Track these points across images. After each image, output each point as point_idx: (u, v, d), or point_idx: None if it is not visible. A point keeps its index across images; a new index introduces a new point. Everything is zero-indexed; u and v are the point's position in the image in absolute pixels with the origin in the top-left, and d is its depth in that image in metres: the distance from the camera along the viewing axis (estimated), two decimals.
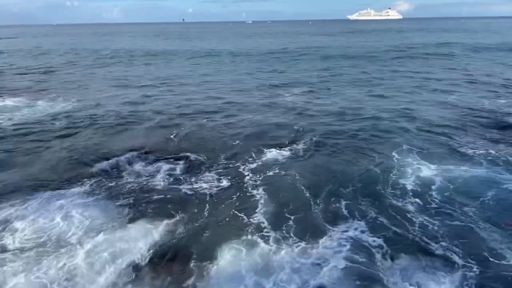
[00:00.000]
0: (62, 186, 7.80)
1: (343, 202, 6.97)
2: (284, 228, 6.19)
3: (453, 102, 14.33)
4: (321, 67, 24.37)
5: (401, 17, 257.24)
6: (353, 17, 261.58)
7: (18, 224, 6.35)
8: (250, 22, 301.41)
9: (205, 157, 9.25)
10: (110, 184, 7.83)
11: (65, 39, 71.39)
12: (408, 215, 6.50)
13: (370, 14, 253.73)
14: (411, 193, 7.25)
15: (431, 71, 21.27)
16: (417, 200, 6.99)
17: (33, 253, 5.62)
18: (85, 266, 5.35)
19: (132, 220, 6.50)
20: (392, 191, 7.35)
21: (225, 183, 7.89)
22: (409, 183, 7.63)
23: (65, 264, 5.38)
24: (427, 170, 8.20)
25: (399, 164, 8.57)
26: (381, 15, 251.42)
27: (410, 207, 6.76)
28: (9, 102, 15.69)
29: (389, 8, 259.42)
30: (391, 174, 8.05)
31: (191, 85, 19.45)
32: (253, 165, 8.78)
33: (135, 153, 9.50)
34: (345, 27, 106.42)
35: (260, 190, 7.56)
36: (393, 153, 9.23)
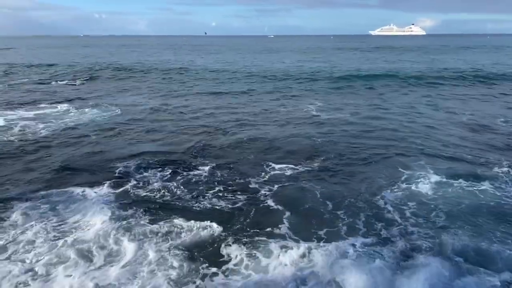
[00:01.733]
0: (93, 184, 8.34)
1: (361, 217, 6.97)
2: (302, 242, 6.21)
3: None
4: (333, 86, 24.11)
5: (424, 33, 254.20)
6: (375, 32, 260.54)
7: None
8: (272, 36, 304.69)
9: (227, 169, 9.40)
10: (119, 190, 8.14)
11: (101, 50, 74.03)
12: (431, 232, 6.44)
13: (393, 30, 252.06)
14: (433, 210, 7.18)
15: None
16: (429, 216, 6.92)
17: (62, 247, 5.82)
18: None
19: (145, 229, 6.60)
20: (410, 207, 7.30)
21: (241, 198, 7.95)
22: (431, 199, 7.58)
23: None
24: (448, 187, 8.11)
25: (417, 179, 8.55)
26: (403, 31, 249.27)
27: (429, 224, 6.70)
28: (58, 107, 16.85)
29: (412, 24, 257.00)
30: (406, 188, 8.04)
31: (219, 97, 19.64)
32: (269, 178, 8.86)
33: (152, 160, 9.82)
34: (372, 43, 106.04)
35: (277, 202, 7.62)
36: (414, 169, 9.17)
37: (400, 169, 9.25)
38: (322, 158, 10.09)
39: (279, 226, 6.69)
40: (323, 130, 13.11)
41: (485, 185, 8.20)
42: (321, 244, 6.11)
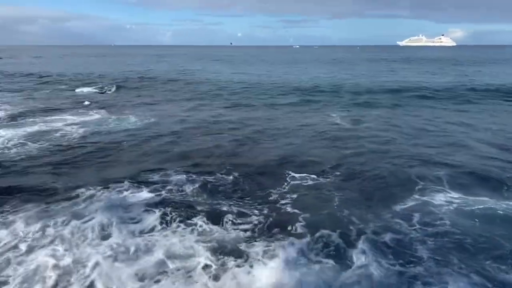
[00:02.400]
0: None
1: (372, 228, 7.00)
2: (320, 251, 6.38)
3: None
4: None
5: (454, 44, 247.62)
6: (403, 43, 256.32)
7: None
8: (297, 46, 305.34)
9: (250, 176, 9.71)
10: (151, 194, 8.51)
11: (132, 59, 76.81)
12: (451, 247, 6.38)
13: (422, 41, 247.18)
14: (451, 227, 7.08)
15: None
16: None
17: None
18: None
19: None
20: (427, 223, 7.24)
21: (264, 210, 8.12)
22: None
23: None
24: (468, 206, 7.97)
25: (435, 193, 8.50)
26: (433, 42, 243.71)
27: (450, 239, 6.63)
28: (97, 116, 17.77)
29: (442, 35, 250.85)
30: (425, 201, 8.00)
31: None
32: (290, 186, 9.12)
33: (181, 168, 10.24)
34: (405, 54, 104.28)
35: (296, 208, 7.87)
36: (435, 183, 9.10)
37: (418, 181, 9.23)
38: (343, 168, 10.28)
39: (297, 231, 6.98)
40: (346, 140, 13.22)
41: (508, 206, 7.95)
42: (331, 251, 6.30)
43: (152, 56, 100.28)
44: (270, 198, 8.45)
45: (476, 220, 7.38)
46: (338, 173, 9.96)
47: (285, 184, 9.22)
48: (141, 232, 6.94)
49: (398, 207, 7.91)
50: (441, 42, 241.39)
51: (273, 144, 13.01)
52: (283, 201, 8.24)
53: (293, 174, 9.85)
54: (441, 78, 34.38)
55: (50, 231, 6.83)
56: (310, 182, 9.33)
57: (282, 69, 49.22)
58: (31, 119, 16.55)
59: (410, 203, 8.10)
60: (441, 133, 14.54)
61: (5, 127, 14.75)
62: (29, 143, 12.63)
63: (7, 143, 12.52)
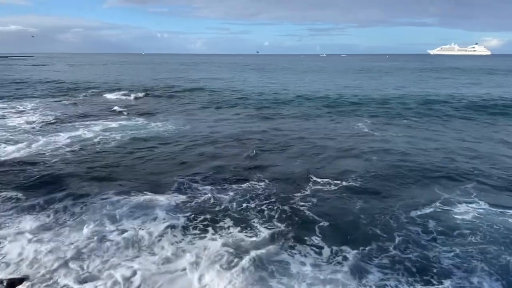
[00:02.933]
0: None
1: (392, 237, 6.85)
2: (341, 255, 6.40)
3: None
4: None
5: (489, 53, 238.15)
6: (435, 52, 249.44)
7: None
8: (324, 55, 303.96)
9: (275, 181, 9.89)
10: (178, 197, 8.71)
11: (161, 67, 78.97)
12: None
13: (454, 49, 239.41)
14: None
15: None
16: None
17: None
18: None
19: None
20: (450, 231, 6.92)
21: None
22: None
23: None
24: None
25: (459, 204, 8.33)
26: (466, 51, 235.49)
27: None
28: (130, 122, 18.44)
29: (476, 44, 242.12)
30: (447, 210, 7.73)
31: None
32: (313, 191, 9.31)
33: (208, 172, 10.60)
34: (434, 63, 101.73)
35: (317, 214, 8.03)
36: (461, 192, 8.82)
37: (443, 192, 9.12)
38: (367, 176, 10.32)
39: (317, 236, 7.11)
40: (372, 149, 13.13)
41: None
42: (349, 264, 6.26)
43: (181, 64, 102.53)
44: (294, 204, 8.55)
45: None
46: (362, 180, 10.00)
47: (309, 190, 9.35)
48: (173, 235, 7.08)
49: (419, 217, 7.85)
50: (474, 51, 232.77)
51: (299, 151, 13.03)
52: (305, 208, 8.35)
53: (317, 180, 10.01)
54: (475, 89, 33.11)
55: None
56: (334, 188, 9.46)
57: (309, 78, 49.05)
58: (69, 124, 17.42)
59: (433, 213, 8.02)
60: (472, 145, 13.97)
61: (45, 132, 15.46)
62: (67, 148, 13.25)
63: (48, 148, 13.12)
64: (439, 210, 8.19)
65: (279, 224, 7.58)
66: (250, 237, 7.04)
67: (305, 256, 6.47)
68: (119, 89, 32.40)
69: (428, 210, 8.18)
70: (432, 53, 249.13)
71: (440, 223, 7.55)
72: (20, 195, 8.85)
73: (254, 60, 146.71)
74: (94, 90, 32.03)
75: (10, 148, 13.08)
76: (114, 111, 21.75)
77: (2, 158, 11.86)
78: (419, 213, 8.03)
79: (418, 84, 38.68)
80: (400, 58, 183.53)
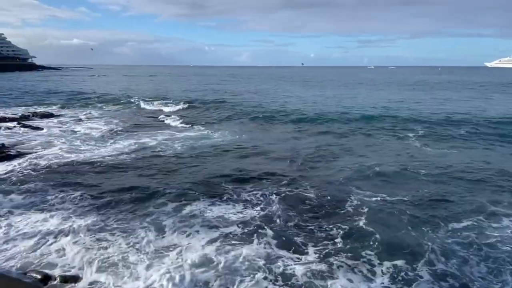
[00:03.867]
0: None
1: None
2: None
3: None
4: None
5: None
6: (492, 64, 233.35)
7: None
8: (372, 67, 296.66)
9: (325, 193, 9.70)
10: (228, 205, 8.56)
11: (209, 78, 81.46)
12: None
13: None
14: None
15: None
16: None
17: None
18: None
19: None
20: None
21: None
22: None
23: None
24: None
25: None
26: None
27: None
28: (189, 131, 19.25)
29: None
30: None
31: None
32: (361, 203, 9.13)
33: (259, 181, 10.77)
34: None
35: (366, 226, 7.89)
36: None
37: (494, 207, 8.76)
38: (416, 190, 10.07)
39: (366, 255, 6.84)
40: (422, 165, 12.41)
41: None
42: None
43: (227, 75, 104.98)
44: (342, 217, 8.42)
45: None
46: (411, 194, 9.75)
47: (357, 203, 9.19)
48: (222, 242, 7.10)
49: (468, 230, 7.66)
50: None
51: (346, 164, 12.69)
52: (354, 220, 8.23)
53: (365, 193, 9.86)
54: None
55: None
56: (382, 202, 9.26)
57: (357, 91, 47.69)
58: (129, 132, 18.31)
59: (482, 231, 7.67)
60: None
61: (105, 143, 16.14)
62: (132, 154, 13.89)
63: (114, 153, 13.90)
64: (492, 226, 7.89)
65: (326, 237, 7.44)
66: (298, 252, 6.87)
67: (354, 271, 6.27)
68: (169, 99, 33.55)
69: (478, 225, 7.94)
70: (489, 66, 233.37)
71: (480, 239, 7.31)
72: (87, 196, 9.39)
73: (298, 72, 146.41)
74: (147, 100, 33.27)
75: (76, 153, 13.90)
76: (168, 120, 22.55)
77: (67, 161, 12.68)
78: (468, 227, 7.84)
79: (482, 101, 34.86)
80: (454, 70, 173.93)
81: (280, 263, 6.45)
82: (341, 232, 7.64)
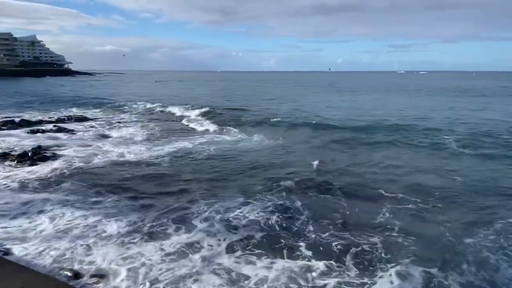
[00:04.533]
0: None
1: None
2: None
3: None
4: None
5: None
6: None
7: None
8: (402, 72, 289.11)
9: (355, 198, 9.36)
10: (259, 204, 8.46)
11: (238, 84, 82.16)
12: None
13: None
14: None
15: None
16: None
17: None
18: None
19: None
20: None
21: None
22: None
23: None
24: None
25: None
26: None
27: None
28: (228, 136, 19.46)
29: None
30: None
31: None
32: (391, 209, 8.94)
33: (286, 185, 10.67)
34: None
35: (401, 238, 7.53)
36: None
37: None
38: (447, 193, 9.96)
39: (400, 262, 6.65)
40: (457, 172, 12.08)
41: None
42: None
43: (254, 81, 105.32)
44: (374, 224, 8.23)
45: None
46: (441, 198, 9.67)
47: (390, 208, 9.05)
48: (252, 249, 7.02)
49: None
50: None
51: (377, 170, 12.47)
52: (387, 227, 8.05)
53: (397, 196, 9.81)
54: None
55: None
56: (415, 207, 9.11)
57: (387, 98, 46.39)
58: (163, 138, 18.46)
59: None
60: None
61: (140, 146, 16.36)
62: (165, 159, 14.01)
63: (153, 156, 14.32)
64: None
65: (358, 244, 7.25)
66: (334, 261, 6.71)
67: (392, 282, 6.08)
68: (199, 104, 33.90)
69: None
70: None
71: None
72: (121, 197, 9.66)
73: (326, 77, 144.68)
74: (178, 105, 33.67)
75: (109, 157, 14.28)
76: (201, 124, 22.83)
77: (101, 163, 13.13)
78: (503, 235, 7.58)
79: None
80: (491, 76, 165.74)
81: (314, 274, 6.27)
82: (375, 239, 7.45)
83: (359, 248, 7.10)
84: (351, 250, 7.03)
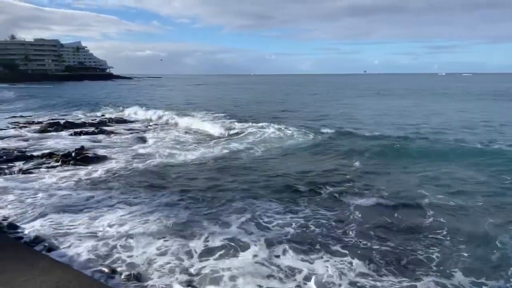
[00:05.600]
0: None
1: None
2: None
3: None
4: None
5: None
6: None
7: None
8: (443, 74, 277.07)
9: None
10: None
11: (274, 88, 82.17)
12: None
13: None
14: None
15: None
16: None
17: None
18: None
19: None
20: None
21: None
22: None
23: None
24: None
25: None
26: None
27: None
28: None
29: None
30: None
31: None
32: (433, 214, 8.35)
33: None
34: None
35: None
36: None
37: None
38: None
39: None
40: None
41: None
42: None
43: (290, 84, 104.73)
44: (419, 230, 7.83)
45: None
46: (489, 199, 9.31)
47: (435, 214, 8.60)
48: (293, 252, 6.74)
49: None
50: None
51: (423, 175, 11.89)
52: (433, 232, 7.64)
53: (442, 196, 9.50)
54: None
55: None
56: (461, 211, 8.70)
57: (432, 105, 44.04)
58: (207, 140, 18.50)
59: None
60: None
61: (184, 147, 16.66)
62: (214, 159, 14.11)
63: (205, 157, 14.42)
64: None
65: (406, 253, 6.77)
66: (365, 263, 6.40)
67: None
68: (238, 106, 34.02)
69: None
70: None
71: None
72: (164, 198, 9.62)
73: (362, 80, 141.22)
74: (215, 108, 33.95)
75: (152, 158, 14.30)
76: (244, 126, 21.97)
77: (144, 164, 13.28)
78: None
79: None
80: None
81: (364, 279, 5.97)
82: (418, 245, 7.09)
83: (402, 253, 6.76)
84: (393, 254, 6.72)
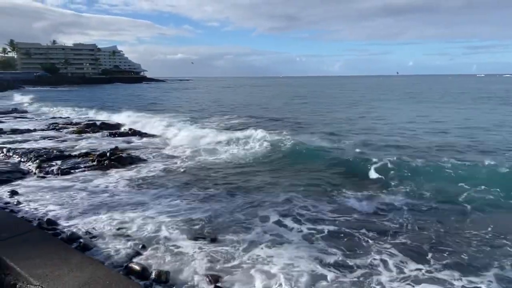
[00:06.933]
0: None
1: None
2: None
3: None
4: None
5: None
6: None
7: None
8: (482, 75, 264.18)
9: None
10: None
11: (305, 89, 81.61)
12: None
13: None
14: None
15: None
16: None
17: None
18: None
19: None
20: None
21: None
22: None
23: None
24: None
25: None
26: None
27: None
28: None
29: None
30: None
31: None
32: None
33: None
34: None
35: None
36: None
37: None
38: None
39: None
40: None
41: None
42: None
43: (320, 86, 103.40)
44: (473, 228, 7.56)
45: None
46: None
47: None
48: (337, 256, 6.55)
49: None
50: None
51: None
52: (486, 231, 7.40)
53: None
54: None
55: None
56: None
57: (475, 111, 41.75)
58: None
59: None
60: None
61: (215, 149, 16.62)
62: (255, 159, 14.24)
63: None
64: None
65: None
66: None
67: None
68: (269, 109, 34.00)
69: None
70: None
71: None
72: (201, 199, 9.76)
73: (395, 82, 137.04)
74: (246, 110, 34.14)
75: (187, 160, 14.61)
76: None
77: (179, 165, 13.61)
78: None
79: None
80: None
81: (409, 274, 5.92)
82: (471, 242, 6.95)
83: (454, 251, 6.63)
84: (445, 253, 6.60)
